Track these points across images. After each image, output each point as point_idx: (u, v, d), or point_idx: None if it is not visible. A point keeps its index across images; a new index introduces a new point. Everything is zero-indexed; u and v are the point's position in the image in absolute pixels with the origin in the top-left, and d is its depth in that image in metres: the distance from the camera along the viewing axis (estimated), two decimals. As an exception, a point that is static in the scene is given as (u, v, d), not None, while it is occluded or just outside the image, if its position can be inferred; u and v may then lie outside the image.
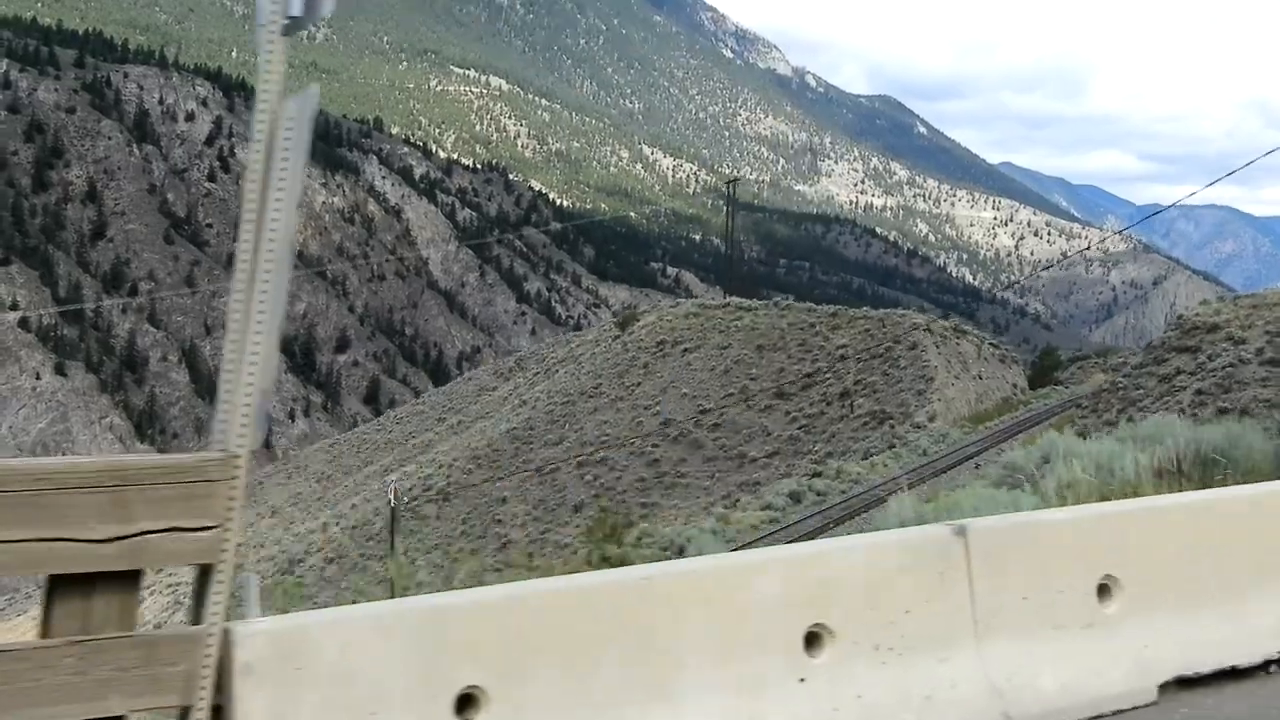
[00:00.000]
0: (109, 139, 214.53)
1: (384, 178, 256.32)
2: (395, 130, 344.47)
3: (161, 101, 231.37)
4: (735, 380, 56.76)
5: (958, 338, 56.86)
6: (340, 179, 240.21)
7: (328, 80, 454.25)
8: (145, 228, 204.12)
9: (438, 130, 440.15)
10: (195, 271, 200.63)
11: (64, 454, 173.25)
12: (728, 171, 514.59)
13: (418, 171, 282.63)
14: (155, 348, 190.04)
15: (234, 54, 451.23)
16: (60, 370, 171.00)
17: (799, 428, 52.03)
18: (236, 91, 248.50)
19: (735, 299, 69.13)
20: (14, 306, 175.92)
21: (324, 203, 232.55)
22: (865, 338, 56.52)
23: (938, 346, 53.97)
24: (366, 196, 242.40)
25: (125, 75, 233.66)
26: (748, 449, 51.28)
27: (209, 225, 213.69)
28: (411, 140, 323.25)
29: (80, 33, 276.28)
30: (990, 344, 60.70)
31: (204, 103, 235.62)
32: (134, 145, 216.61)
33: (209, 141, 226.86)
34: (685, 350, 60.66)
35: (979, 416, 49.45)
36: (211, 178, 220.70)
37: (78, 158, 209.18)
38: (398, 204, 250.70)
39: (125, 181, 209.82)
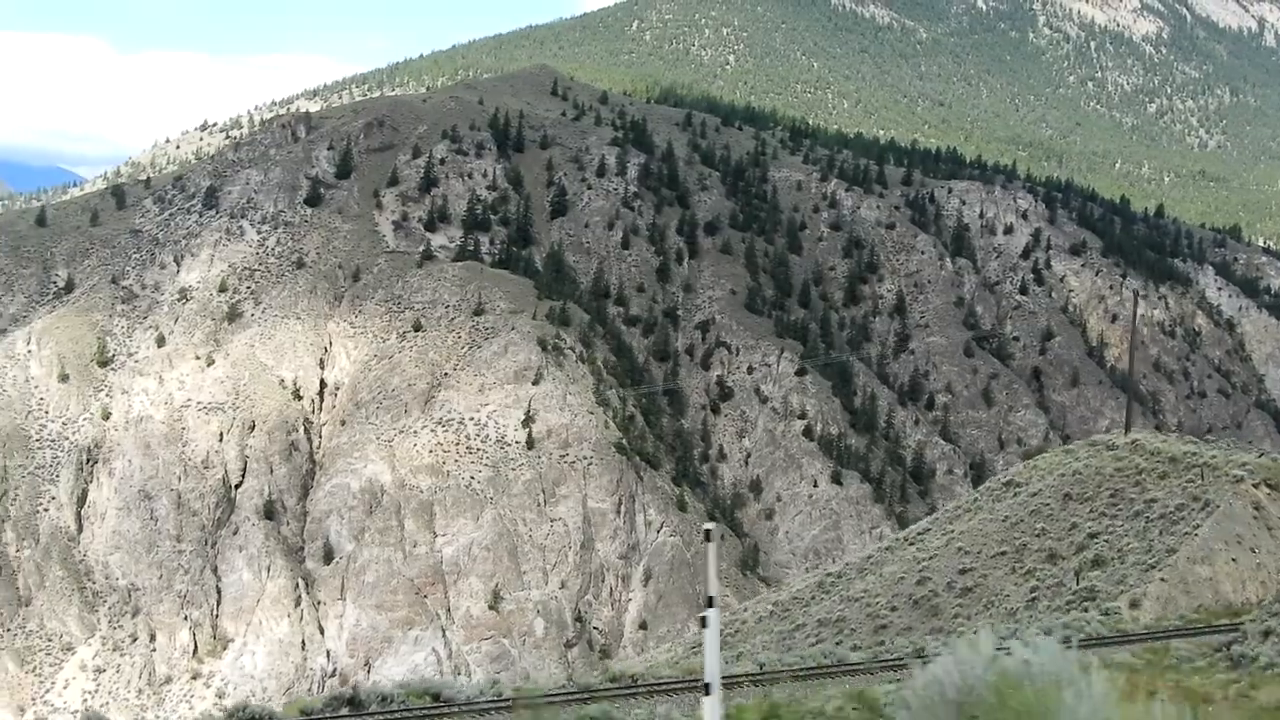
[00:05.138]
0: (922, 253, 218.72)
1: (1220, 289, 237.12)
2: (1261, 240, 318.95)
3: (982, 215, 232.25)
4: (1018, 536, 43.69)
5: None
6: (1165, 290, 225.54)
7: (1215, 189, 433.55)
8: (947, 341, 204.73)
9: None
10: (993, 385, 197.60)
11: (833, 560, 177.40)
12: None
13: (1273, 283, 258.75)
14: (942, 460, 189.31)
15: (1116, 166, 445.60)
16: (836, 479, 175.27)
17: (1029, 600, 38.84)
18: (1061, 204, 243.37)
19: (1113, 436, 53.42)
20: (802, 415, 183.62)
21: (1143, 315, 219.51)
22: (1178, 492, 41.07)
23: (1258, 508, 37.84)
24: (1195, 309, 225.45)
25: (949, 190, 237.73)
26: (975, 621, 39.00)
27: (1015, 339, 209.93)
28: (1274, 249, 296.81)
29: (932, 150, 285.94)
30: None
31: (1024, 215, 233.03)
32: (947, 259, 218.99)
33: (1025, 254, 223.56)
34: (1015, 492, 47.94)
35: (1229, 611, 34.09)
36: (1023, 290, 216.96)
37: (890, 272, 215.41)
38: (1232, 317, 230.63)
39: (933, 295, 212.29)
